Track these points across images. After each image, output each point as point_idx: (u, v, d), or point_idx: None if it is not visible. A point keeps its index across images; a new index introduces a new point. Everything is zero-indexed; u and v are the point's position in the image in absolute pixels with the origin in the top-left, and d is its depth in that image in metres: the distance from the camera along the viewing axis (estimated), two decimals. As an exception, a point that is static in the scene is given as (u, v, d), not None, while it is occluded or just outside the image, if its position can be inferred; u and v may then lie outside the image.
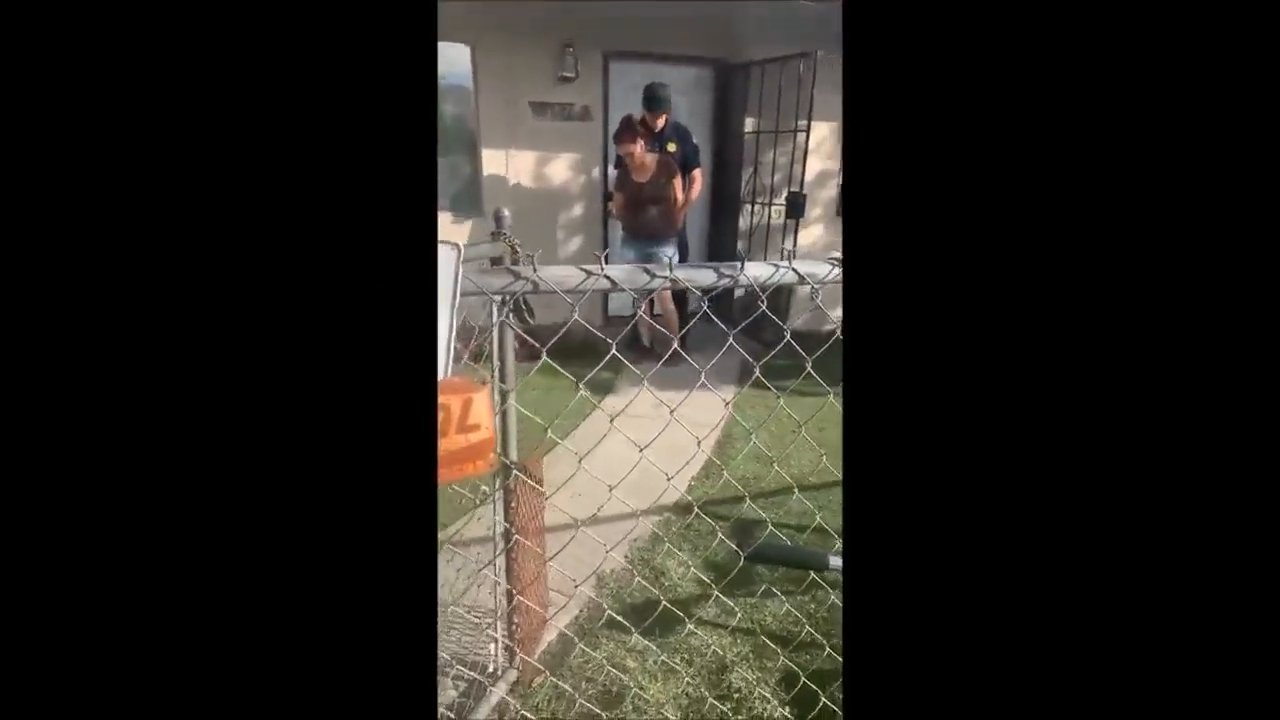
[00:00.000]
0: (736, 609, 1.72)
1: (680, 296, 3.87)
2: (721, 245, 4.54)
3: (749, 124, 4.17)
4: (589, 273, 0.74)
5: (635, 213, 3.50)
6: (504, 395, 1.30)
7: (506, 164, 3.95)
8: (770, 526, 1.55)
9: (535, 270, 0.71)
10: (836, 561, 0.83)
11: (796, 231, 4.03)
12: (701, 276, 0.79)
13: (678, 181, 3.46)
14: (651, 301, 3.72)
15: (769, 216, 4.23)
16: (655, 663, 1.56)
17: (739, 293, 4.48)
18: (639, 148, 3.31)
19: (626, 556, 1.96)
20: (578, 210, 4.19)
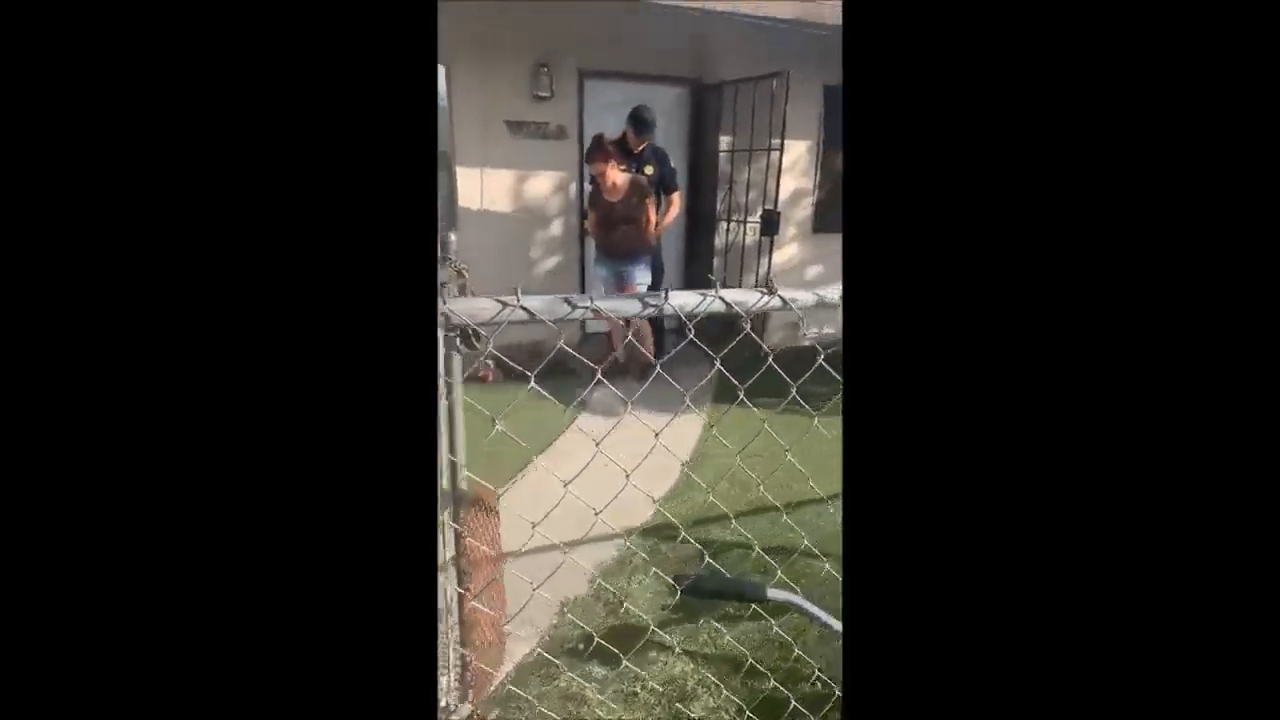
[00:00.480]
0: (700, 634, 1.70)
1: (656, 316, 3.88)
2: (697, 263, 4.55)
3: (723, 143, 4.20)
4: (504, 304, 0.73)
5: (608, 231, 3.50)
6: (451, 426, 1.28)
7: (481, 182, 3.95)
8: (707, 558, 1.54)
9: (462, 298, 0.70)
10: (775, 594, 0.82)
11: (772, 249, 4.05)
12: (626, 307, 0.78)
13: (650, 202, 3.47)
14: (627, 320, 3.72)
15: (744, 234, 4.25)
16: (615, 692, 1.54)
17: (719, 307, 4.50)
18: (610, 167, 3.32)
19: (591, 582, 1.93)
20: (554, 229, 4.19)
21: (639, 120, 3.52)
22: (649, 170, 3.62)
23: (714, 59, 4.15)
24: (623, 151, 3.58)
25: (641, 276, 3.51)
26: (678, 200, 3.74)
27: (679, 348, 1.02)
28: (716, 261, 4.40)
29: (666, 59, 4.15)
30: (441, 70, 3.75)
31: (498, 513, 1.50)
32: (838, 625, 0.79)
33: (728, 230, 4.35)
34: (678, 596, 0.84)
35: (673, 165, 3.76)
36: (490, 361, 4.10)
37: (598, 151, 3.31)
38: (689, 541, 2.11)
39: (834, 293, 0.86)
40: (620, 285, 3.58)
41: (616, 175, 3.36)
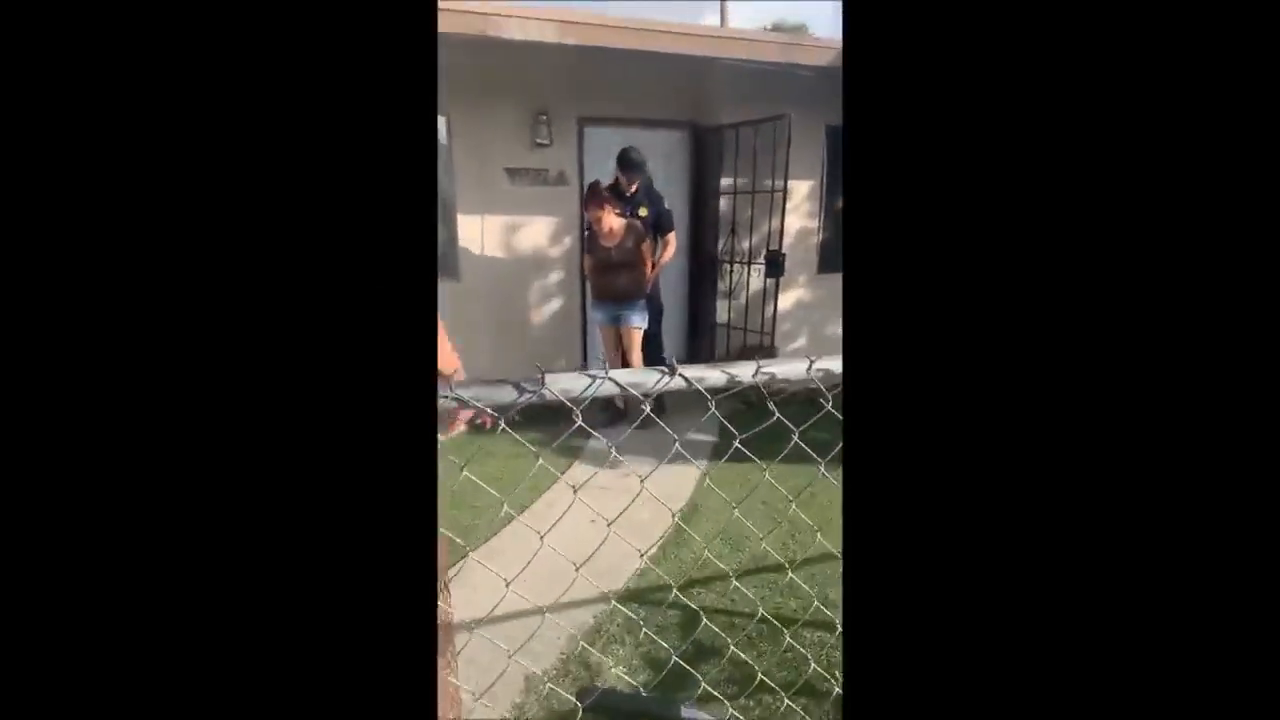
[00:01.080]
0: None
1: (657, 350, 3.80)
2: (701, 306, 4.48)
3: (725, 185, 4.17)
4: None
5: (604, 276, 3.48)
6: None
7: (482, 229, 3.96)
8: (617, 677, 1.41)
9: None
10: (689, 712, 0.71)
11: (778, 292, 3.96)
12: (499, 394, 0.70)
13: (646, 246, 3.45)
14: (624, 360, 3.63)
15: (748, 276, 4.18)
16: (574, 785, 1.40)
17: (720, 350, 4.40)
18: (606, 212, 3.32)
19: (562, 654, 1.81)
20: (555, 274, 4.17)
21: (626, 161, 3.53)
22: (643, 212, 3.60)
23: (714, 103, 4.15)
24: (616, 196, 3.56)
25: (638, 319, 3.48)
26: (673, 240, 3.70)
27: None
28: (721, 304, 4.33)
29: (666, 104, 4.17)
30: (442, 119, 3.80)
31: (445, 583, 1.40)
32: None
33: (731, 272, 4.28)
34: (580, 714, 0.73)
35: (667, 206, 3.73)
36: (488, 409, 4.03)
37: (594, 197, 3.32)
38: (679, 601, 1.97)
39: (744, 371, 0.77)
40: (617, 328, 3.52)
41: (612, 220, 3.36)
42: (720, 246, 4.28)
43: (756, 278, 4.13)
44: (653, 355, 3.82)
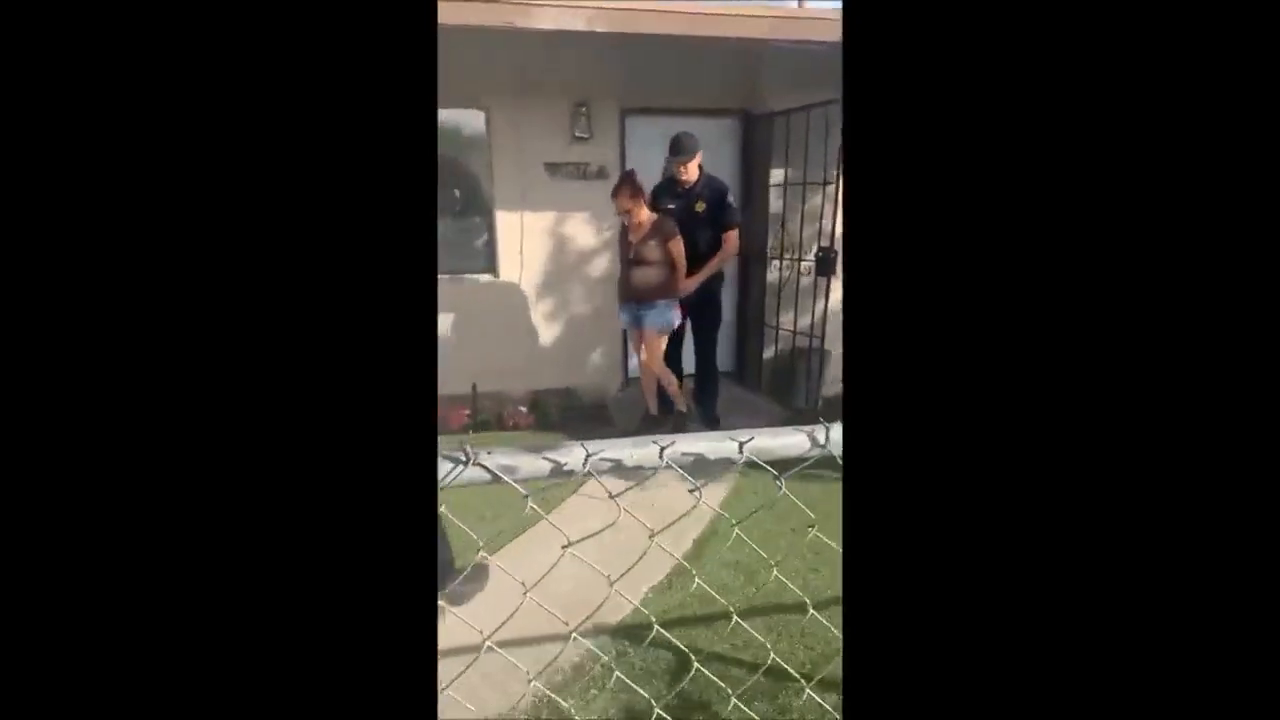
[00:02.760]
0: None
1: (708, 357, 3.57)
2: (749, 306, 4.25)
3: (774, 176, 3.90)
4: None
5: (627, 272, 3.27)
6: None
7: (521, 225, 3.89)
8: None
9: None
10: None
11: (828, 290, 3.68)
12: None
13: (675, 243, 3.15)
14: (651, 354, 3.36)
15: (798, 273, 3.91)
16: None
17: (768, 353, 4.16)
18: (637, 205, 3.09)
19: (544, 693, 1.70)
20: (595, 270, 4.05)
21: (677, 146, 3.20)
22: (700, 207, 3.27)
23: (765, 88, 3.88)
24: (667, 191, 3.33)
25: (655, 322, 3.21)
26: (734, 239, 3.29)
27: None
28: (769, 302, 4.08)
29: (714, 91, 3.93)
30: (480, 114, 3.74)
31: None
32: None
33: (780, 269, 4.02)
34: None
35: (731, 200, 3.34)
36: (523, 408, 3.94)
37: (622, 187, 3.09)
38: (673, 642, 1.83)
39: (569, 456, 0.60)
40: (634, 329, 3.32)
41: (642, 213, 3.13)
42: (770, 242, 4.02)
43: (806, 275, 3.86)
44: (672, 356, 3.58)
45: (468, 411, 3.73)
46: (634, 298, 3.23)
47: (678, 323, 3.27)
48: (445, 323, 3.86)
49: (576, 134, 3.75)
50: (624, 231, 3.29)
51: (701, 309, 3.43)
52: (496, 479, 0.59)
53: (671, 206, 3.29)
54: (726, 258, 3.36)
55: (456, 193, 3.94)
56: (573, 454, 0.60)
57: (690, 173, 3.27)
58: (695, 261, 3.24)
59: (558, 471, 0.59)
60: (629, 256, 3.21)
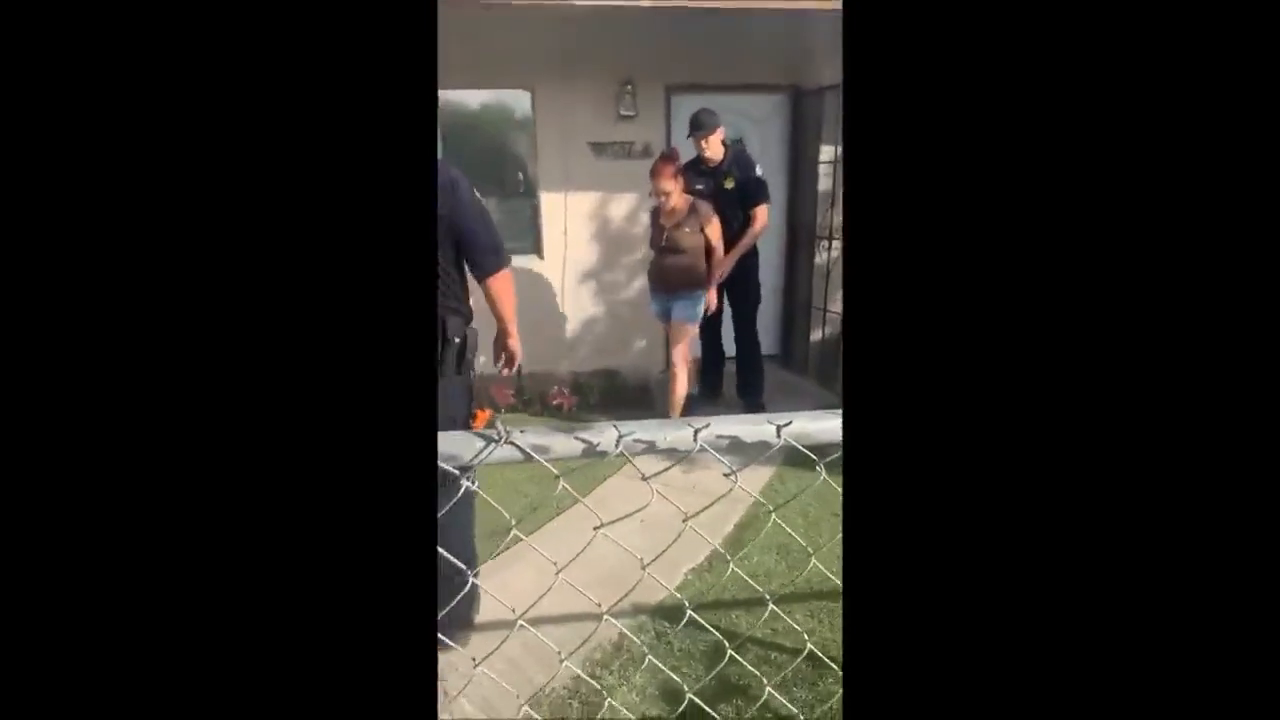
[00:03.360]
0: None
1: (749, 340, 3.47)
2: (796, 287, 4.15)
3: (825, 153, 3.78)
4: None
5: (659, 260, 3.05)
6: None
7: (565, 206, 3.88)
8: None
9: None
10: None
11: (879, 271, 3.56)
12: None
13: (712, 228, 2.94)
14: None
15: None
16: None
17: (815, 336, 4.07)
18: (674, 186, 2.86)
19: (583, 670, 1.72)
20: (639, 251, 4.02)
21: (695, 124, 3.11)
22: (729, 184, 3.16)
23: (816, 62, 3.75)
24: (694, 170, 3.17)
25: (684, 313, 3.03)
26: (763, 215, 3.20)
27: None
28: (817, 284, 3.98)
29: (763, 66, 3.82)
30: (526, 94, 3.74)
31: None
32: None
33: (829, 249, 3.91)
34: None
35: (759, 174, 3.23)
36: (565, 389, 3.98)
37: (664, 166, 2.84)
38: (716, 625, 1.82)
39: (603, 437, 0.59)
40: (665, 321, 3.17)
41: (677, 197, 2.91)
42: (819, 221, 3.91)
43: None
44: (710, 341, 3.52)
45: (511, 391, 3.78)
46: (664, 288, 3.07)
47: (700, 317, 3.10)
48: (491, 303, 3.91)
49: (622, 112, 3.71)
50: (656, 214, 3.12)
51: (738, 288, 3.35)
52: (529, 458, 0.58)
53: (700, 186, 3.15)
54: (758, 234, 3.26)
55: (521, 175, 3.95)
56: (605, 435, 0.59)
57: (713, 148, 3.15)
58: (727, 241, 3.13)
59: (589, 452, 0.58)
60: (661, 243, 3.02)
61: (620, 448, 0.59)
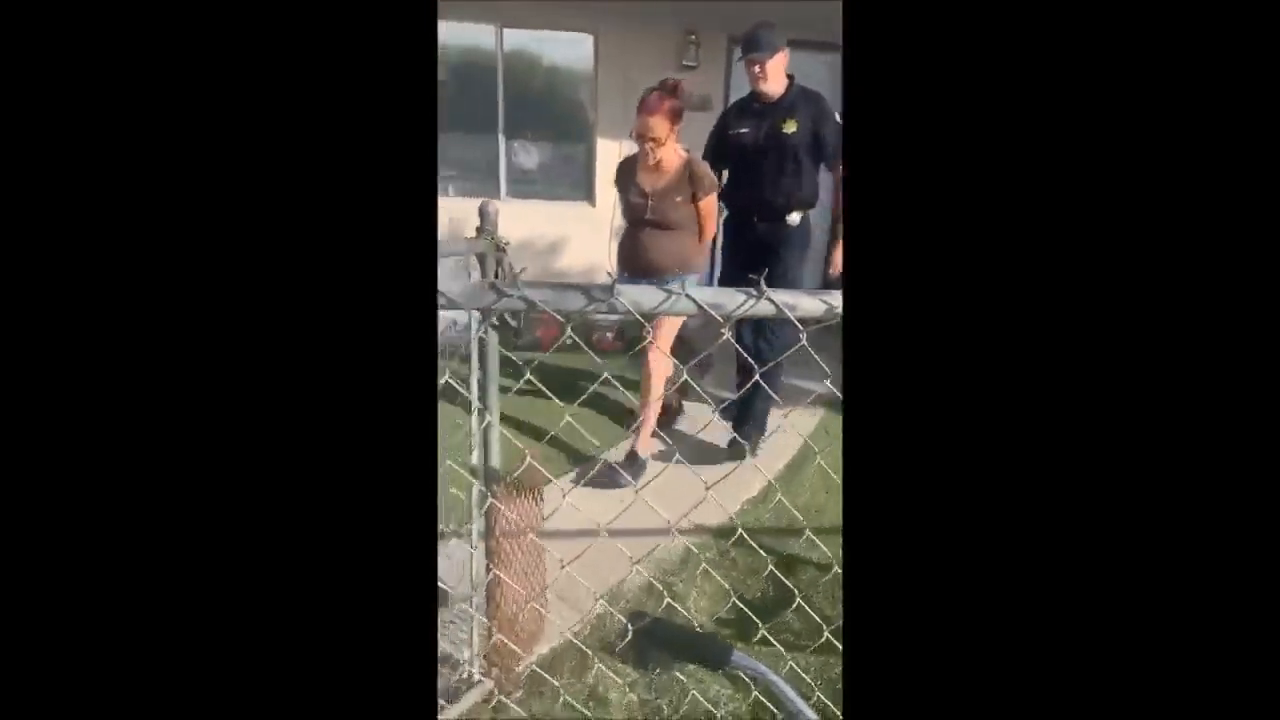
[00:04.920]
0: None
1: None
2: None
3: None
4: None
5: (630, 235, 2.27)
6: (481, 413, 1.25)
7: (620, 154, 3.91)
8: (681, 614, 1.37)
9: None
10: (741, 661, 0.68)
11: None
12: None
13: (707, 204, 2.18)
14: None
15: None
16: (641, 701, 1.45)
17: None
18: (666, 130, 2.06)
19: (655, 578, 1.85)
20: (690, 204, 4.07)
21: (748, 41, 2.26)
22: (789, 128, 2.27)
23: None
24: (744, 111, 2.39)
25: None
26: (840, 172, 2.31)
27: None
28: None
29: (834, 20, 3.80)
30: (589, 39, 3.75)
31: (539, 490, 1.46)
32: (812, 716, 0.64)
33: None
34: (629, 634, 0.72)
35: (838, 121, 2.30)
36: (609, 334, 4.07)
37: (653, 99, 2.08)
38: (773, 548, 1.94)
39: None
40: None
41: (669, 148, 2.12)
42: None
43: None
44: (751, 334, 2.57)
45: (556, 331, 3.88)
46: (640, 270, 2.24)
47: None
48: (544, 248, 3.98)
49: (684, 63, 3.73)
50: (628, 168, 2.27)
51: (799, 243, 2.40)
52: (779, 310, 0.67)
53: (744, 130, 2.35)
54: (834, 196, 2.42)
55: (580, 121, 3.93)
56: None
57: (773, 79, 2.27)
58: (784, 205, 2.32)
59: (830, 313, 0.67)
60: (641, 214, 2.21)
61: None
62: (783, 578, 1.47)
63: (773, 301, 0.67)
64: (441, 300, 0.65)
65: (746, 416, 2.59)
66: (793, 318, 0.68)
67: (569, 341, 0.92)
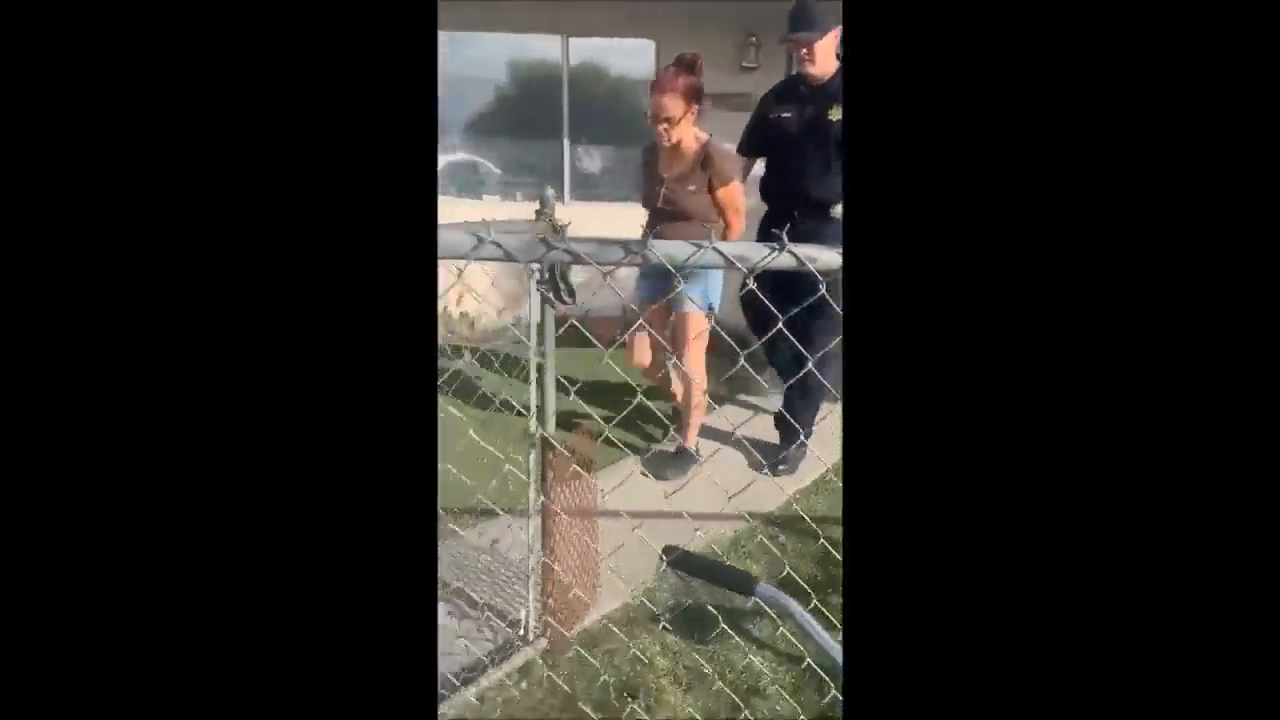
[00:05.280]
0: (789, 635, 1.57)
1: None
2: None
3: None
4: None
5: (652, 223, 2.16)
6: (540, 367, 1.33)
7: (680, 156, 3.99)
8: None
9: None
10: (765, 591, 0.73)
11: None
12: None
13: (729, 191, 2.02)
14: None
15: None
16: (687, 668, 1.49)
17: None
18: (682, 109, 1.93)
19: (707, 553, 1.89)
20: (754, 202, 4.09)
21: (794, 17, 2.07)
22: (836, 115, 2.08)
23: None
24: (788, 95, 2.21)
25: (695, 292, 2.11)
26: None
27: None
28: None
29: None
30: (650, 43, 3.85)
31: (588, 465, 1.53)
32: (835, 646, 0.68)
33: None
34: (662, 567, 0.78)
35: None
36: (667, 332, 4.10)
37: (668, 77, 1.97)
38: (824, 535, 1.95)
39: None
40: (657, 306, 2.19)
41: (686, 130, 1.97)
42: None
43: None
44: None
45: (616, 332, 3.98)
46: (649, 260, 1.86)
47: (718, 303, 2.22)
48: (602, 247, 4.09)
49: (744, 64, 3.77)
50: (650, 155, 2.16)
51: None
52: (801, 263, 0.72)
53: (788, 115, 2.18)
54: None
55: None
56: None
57: (821, 60, 2.08)
58: (829, 198, 2.12)
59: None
60: (654, 202, 2.11)
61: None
62: (831, 556, 1.48)
63: (794, 254, 0.72)
64: (499, 252, 0.73)
65: (795, 408, 2.35)
66: (813, 269, 0.73)
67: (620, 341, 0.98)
